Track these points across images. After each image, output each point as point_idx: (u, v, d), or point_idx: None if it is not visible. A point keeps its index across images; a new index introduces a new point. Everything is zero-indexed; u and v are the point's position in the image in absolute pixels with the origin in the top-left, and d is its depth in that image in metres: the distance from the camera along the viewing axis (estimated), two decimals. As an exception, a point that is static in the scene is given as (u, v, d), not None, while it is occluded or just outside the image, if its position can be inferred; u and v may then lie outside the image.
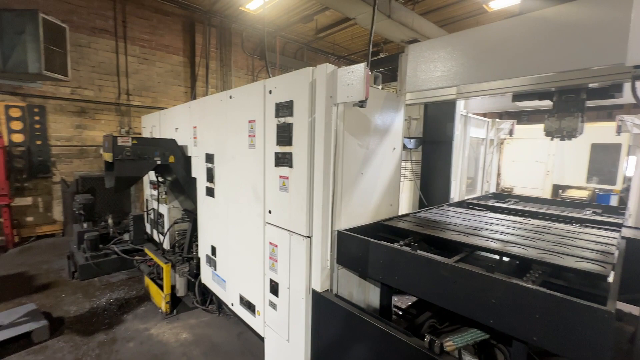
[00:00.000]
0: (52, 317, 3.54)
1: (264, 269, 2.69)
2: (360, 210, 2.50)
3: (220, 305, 3.76)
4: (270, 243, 2.58)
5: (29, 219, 6.41)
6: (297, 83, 2.20)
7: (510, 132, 4.89)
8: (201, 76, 8.32)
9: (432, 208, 3.38)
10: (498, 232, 2.39)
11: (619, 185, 5.74)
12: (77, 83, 6.64)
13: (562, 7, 1.77)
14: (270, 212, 2.56)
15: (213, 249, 3.52)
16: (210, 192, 3.47)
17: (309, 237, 2.24)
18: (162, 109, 7.58)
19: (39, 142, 6.32)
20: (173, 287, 3.89)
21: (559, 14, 1.77)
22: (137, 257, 5.00)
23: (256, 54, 9.42)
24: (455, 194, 4.49)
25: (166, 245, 4.87)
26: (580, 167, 6.01)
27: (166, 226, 4.92)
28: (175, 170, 3.92)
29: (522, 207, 3.70)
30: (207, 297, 3.91)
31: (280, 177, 2.41)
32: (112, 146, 3.41)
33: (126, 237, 5.46)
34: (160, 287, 3.92)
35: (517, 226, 2.66)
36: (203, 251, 3.77)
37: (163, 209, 4.90)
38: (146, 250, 4.24)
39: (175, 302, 3.83)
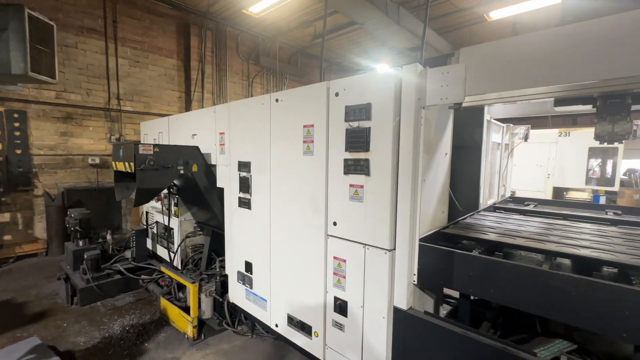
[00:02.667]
0: (60, 352, 3.07)
1: (326, 286, 2.47)
2: (422, 218, 2.36)
3: (254, 326, 3.45)
4: (336, 258, 2.37)
5: (7, 237, 5.69)
6: (378, 84, 2.04)
7: (526, 137, 5.00)
8: (195, 80, 7.93)
9: (473, 214, 3.31)
10: (565, 237, 2.34)
11: (616, 187, 6.06)
12: (62, 86, 6.06)
13: (604, 20, 1.80)
14: (335, 224, 2.36)
15: (248, 266, 3.23)
16: (244, 203, 3.20)
17: (392, 250, 2.06)
18: (155, 114, 7.14)
19: (18, 152, 5.66)
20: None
21: (603, 25, 1.78)
22: (143, 276, 4.55)
23: (251, 58, 9.16)
24: (482, 199, 4.49)
25: (177, 262, 4.47)
26: (579, 170, 6.30)
27: (176, 241, 4.53)
28: (199, 180, 3.60)
29: (555, 210, 3.74)
30: (234, 317, 3.59)
31: (352, 185, 2.22)
32: (133, 154, 3.05)
33: (127, 254, 4.97)
34: (182, 309, 3.55)
35: (577, 230, 2.64)
36: (232, 268, 3.46)
37: (173, 222, 4.51)
38: (164, 270, 3.84)
39: (200, 325, 3.48)
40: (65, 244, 4.89)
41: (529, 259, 2.07)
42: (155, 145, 3.22)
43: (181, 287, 3.91)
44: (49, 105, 5.97)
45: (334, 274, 2.39)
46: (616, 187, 6.05)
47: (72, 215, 4.58)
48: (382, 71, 2.02)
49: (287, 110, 2.67)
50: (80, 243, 4.65)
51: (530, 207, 4.14)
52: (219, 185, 3.60)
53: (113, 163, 3.53)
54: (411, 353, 2.03)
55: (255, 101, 2.98)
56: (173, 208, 4.55)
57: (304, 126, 2.52)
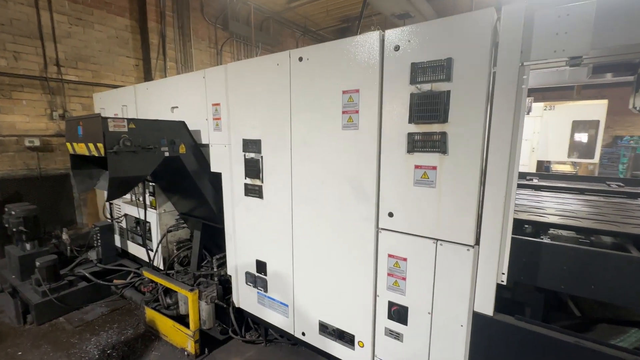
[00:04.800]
0: (18, 393, 2.36)
1: (376, 290, 2.04)
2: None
3: (267, 333, 2.96)
4: (392, 256, 1.93)
5: None
6: (464, 31, 1.54)
7: (528, 110, 4.87)
8: (155, 46, 6.75)
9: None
10: (629, 217, 2.14)
11: (596, 159, 6.30)
12: (-23, 47, 4.71)
13: None
14: (391, 215, 1.90)
15: (260, 265, 2.69)
16: (253, 191, 2.60)
17: (475, 246, 1.67)
18: (108, 86, 5.97)
19: None
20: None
21: None
22: (116, 281, 3.80)
23: (219, 22, 8.03)
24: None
25: (158, 262, 3.77)
26: (563, 143, 6.44)
27: (155, 237, 3.80)
28: (188, 163, 2.89)
29: (571, 185, 3.64)
30: (240, 323, 3.06)
31: (418, 167, 1.75)
32: (101, 133, 2.28)
33: (92, 255, 4.12)
34: (175, 319, 2.95)
35: (634, 207, 2.48)
36: (238, 268, 2.89)
37: (150, 215, 3.75)
38: (149, 275, 3.14)
39: (201, 337, 2.91)
40: (6, 248, 3.90)
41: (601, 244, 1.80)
42: (130, 120, 2.46)
43: (169, 292, 3.27)
44: (-39, 72, 4.62)
45: (389, 275, 1.96)
46: (596, 159, 6.31)
47: (13, 213, 3.61)
48: (472, 15, 1.52)
49: (316, 72, 2.08)
50: (28, 246, 3.72)
51: (536, 182, 4.03)
52: (213, 169, 2.93)
53: (68, 145, 2.69)
54: (498, 366, 1.70)
55: (267, 61, 2.33)
56: (149, 198, 3.77)
57: (344, 92, 1.96)
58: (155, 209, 3.74)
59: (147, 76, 6.71)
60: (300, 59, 2.14)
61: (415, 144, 1.74)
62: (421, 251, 1.82)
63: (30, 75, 5.24)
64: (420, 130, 1.72)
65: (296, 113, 2.23)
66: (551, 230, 1.94)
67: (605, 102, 6.09)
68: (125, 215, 4.34)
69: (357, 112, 1.93)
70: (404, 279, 1.90)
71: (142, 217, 3.84)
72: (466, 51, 1.55)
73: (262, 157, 2.50)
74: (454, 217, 1.68)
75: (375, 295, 2.04)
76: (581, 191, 3.41)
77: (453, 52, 1.58)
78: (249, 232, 2.72)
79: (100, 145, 2.32)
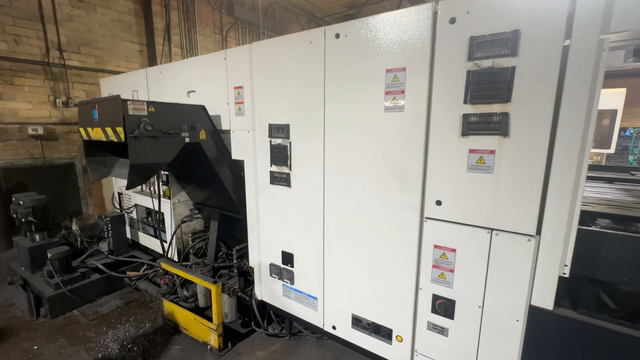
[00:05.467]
0: (38, 389, 2.27)
1: (418, 282, 1.93)
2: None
3: (291, 327, 2.87)
4: (438, 247, 1.82)
5: None
6: (531, 0, 1.39)
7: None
8: (160, 30, 6.52)
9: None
10: None
11: (612, 149, 6.18)
12: (-24, 29, 4.49)
13: None
14: (439, 203, 1.78)
15: (287, 257, 2.58)
16: (280, 179, 2.47)
17: (536, 236, 1.55)
18: (111, 72, 5.76)
19: None
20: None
21: None
22: (129, 273, 3.69)
23: (224, 7, 7.76)
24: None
25: (172, 254, 3.65)
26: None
27: (169, 228, 3.68)
28: (208, 150, 2.75)
29: (597, 175, 3.53)
30: (262, 316, 2.96)
31: (473, 151, 1.63)
32: (121, 116, 2.13)
33: (103, 246, 3.99)
34: (195, 312, 2.85)
35: None
36: (261, 259, 2.78)
37: (164, 205, 3.62)
38: (168, 267, 3.02)
39: (224, 331, 2.81)
40: (14, 239, 3.77)
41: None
42: (150, 103, 2.30)
43: (186, 284, 3.17)
44: (-39, 56, 4.41)
45: (434, 266, 1.85)
46: (612, 149, 6.20)
47: (22, 203, 3.47)
48: (542, -20, 1.37)
49: (356, 50, 1.92)
50: (37, 237, 3.59)
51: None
52: (235, 157, 2.79)
53: (82, 130, 2.54)
54: (556, 362, 1.61)
55: (298, 40, 2.17)
56: (162, 187, 3.63)
57: (388, 71, 1.81)
58: (169, 198, 3.61)
59: (152, 62, 6.49)
60: (337, 36, 1.98)
61: (471, 126, 1.61)
62: (473, 242, 1.70)
63: (32, 60, 5.03)
64: (477, 111, 1.59)
65: (331, 95, 2.08)
66: (599, 220, 1.83)
67: (623, 90, 5.94)
68: (136, 205, 4.21)
69: (402, 92, 1.79)
70: (452, 271, 1.79)
71: (156, 208, 3.71)
72: (536, 22, 1.40)
73: (290, 142, 2.35)
74: (514, 206, 1.56)
75: (417, 288, 1.94)
76: (610, 180, 3.31)
77: (520, 23, 1.43)
78: (275, 222, 2.60)
79: (119, 129, 2.17)
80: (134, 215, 4.28)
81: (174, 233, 3.59)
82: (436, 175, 1.77)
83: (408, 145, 1.82)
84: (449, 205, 1.75)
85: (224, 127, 2.83)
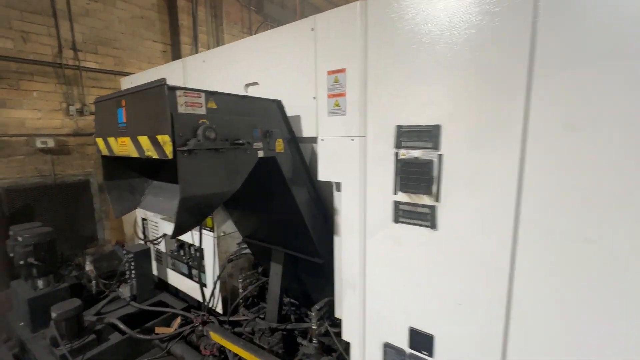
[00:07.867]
0: None
1: None
2: None
3: None
4: None
5: None
6: None
7: None
8: (186, 28, 5.78)
9: None
10: None
11: None
12: (-23, 24, 3.76)
13: None
14: None
15: (420, 339, 1.60)
16: (414, 214, 1.51)
17: None
18: (130, 75, 4.99)
19: None
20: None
21: None
22: (158, 330, 2.77)
23: (253, 4, 7.03)
24: None
25: (214, 303, 2.73)
26: None
27: (212, 269, 2.76)
28: (284, 166, 1.82)
29: None
30: (358, 411, 1.98)
31: None
32: (168, 114, 1.23)
33: (124, 291, 3.09)
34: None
35: None
36: (369, 333, 1.81)
37: (206, 239, 2.71)
38: (216, 337, 2.08)
39: None
40: (12, 284, 2.90)
41: None
42: (209, 94, 1.40)
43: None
44: (-43, 56, 3.68)
45: None
46: None
47: (20, 239, 2.60)
48: None
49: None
50: (40, 283, 2.71)
51: None
52: (323, 177, 1.86)
53: (100, 142, 1.67)
54: None
55: (471, -23, 1.24)
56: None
57: None
58: (211, 230, 2.70)
59: (177, 64, 5.71)
60: (575, -45, 1.05)
61: None
62: None
63: (42, 61, 4.28)
64: None
65: (547, 71, 1.13)
66: None
67: None
68: (164, 235, 3.32)
69: None
70: None
71: (190, 240, 2.82)
72: None
73: (440, 155, 1.41)
74: None
75: None
76: None
77: None
78: (397, 280, 1.64)
79: (164, 138, 1.26)
80: (161, 246, 3.40)
81: (219, 276, 2.67)
82: None
83: None
84: None
85: (306, 133, 1.92)
